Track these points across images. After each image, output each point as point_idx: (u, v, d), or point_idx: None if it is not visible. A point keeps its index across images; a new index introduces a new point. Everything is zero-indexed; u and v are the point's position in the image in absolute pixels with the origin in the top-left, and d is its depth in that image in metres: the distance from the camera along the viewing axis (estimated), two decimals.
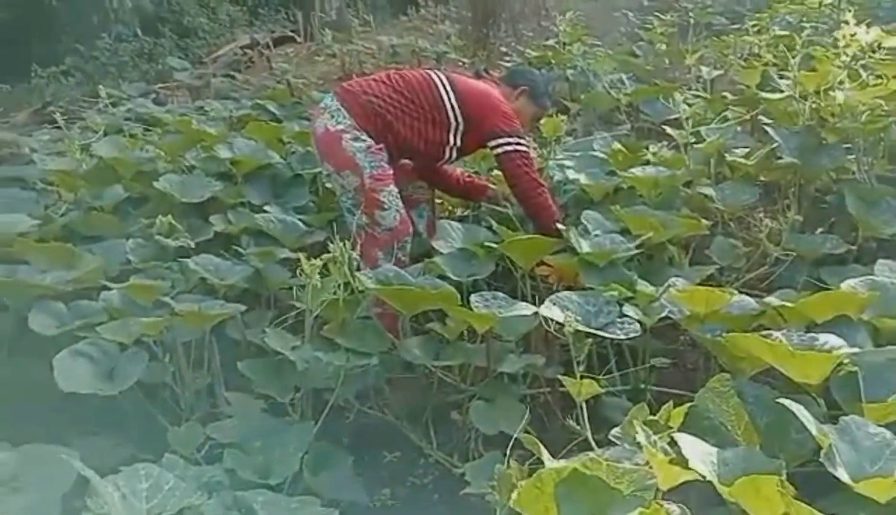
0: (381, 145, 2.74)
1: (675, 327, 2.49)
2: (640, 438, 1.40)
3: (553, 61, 5.40)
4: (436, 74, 2.91)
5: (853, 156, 2.98)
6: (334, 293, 2.21)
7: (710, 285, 2.29)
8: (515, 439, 1.86)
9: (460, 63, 6.73)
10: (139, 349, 2.18)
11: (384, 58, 7.37)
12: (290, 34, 8.16)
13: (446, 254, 2.48)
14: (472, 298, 2.10)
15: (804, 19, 6.53)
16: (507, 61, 5.87)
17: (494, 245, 2.46)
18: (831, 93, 3.10)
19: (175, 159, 3.57)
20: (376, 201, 2.69)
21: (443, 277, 2.34)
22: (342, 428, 2.28)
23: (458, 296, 2.13)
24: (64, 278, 2.51)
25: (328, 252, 2.86)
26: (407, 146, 2.83)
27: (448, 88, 2.83)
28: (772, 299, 2.14)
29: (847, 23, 4.33)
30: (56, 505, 1.62)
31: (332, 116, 2.75)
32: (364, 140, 2.71)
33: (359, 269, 2.54)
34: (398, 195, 2.76)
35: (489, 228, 2.75)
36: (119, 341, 2.19)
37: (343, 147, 2.70)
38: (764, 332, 1.89)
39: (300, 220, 3.11)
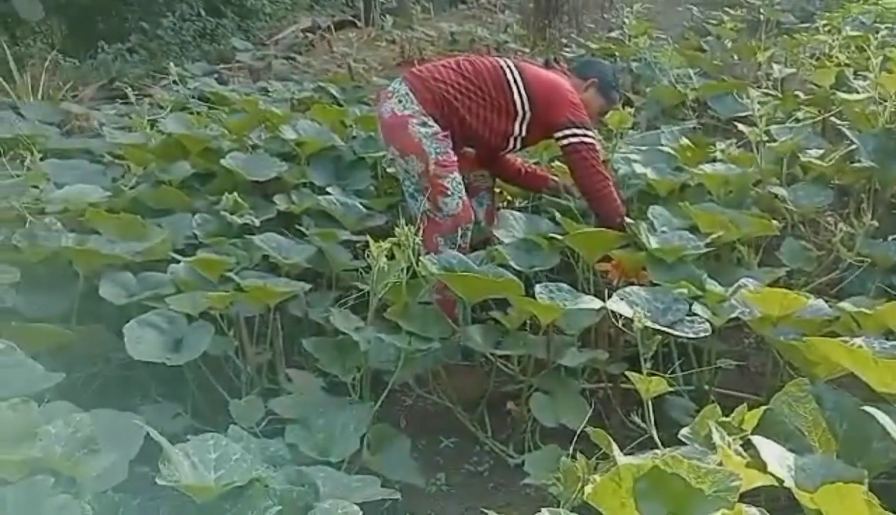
0: (447, 132, 2.74)
1: (739, 328, 2.44)
2: (716, 438, 1.37)
3: (617, 54, 5.32)
4: (505, 62, 2.88)
5: None
6: (398, 277, 2.22)
7: (780, 288, 2.23)
8: (578, 433, 1.85)
9: (520, 53, 6.69)
10: (205, 322, 2.22)
11: (443, 45, 7.37)
12: (351, 19, 8.20)
13: (509, 243, 2.46)
14: (537, 288, 2.08)
15: (878, 20, 6.31)
16: (568, 52, 5.79)
17: (559, 237, 2.43)
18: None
19: (240, 138, 3.62)
20: (440, 187, 2.68)
21: (505, 266, 2.32)
22: (400, 411, 2.29)
23: (522, 286, 2.12)
24: (133, 249, 2.56)
25: (388, 236, 2.90)
26: (472, 134, 2.81)
27: (517, 76, 2.80)
28: (846, 305, 2.07)
29: None
30: (125, 469, 1.66)
31: (400, 101, 2.74)
32: (431, 126, 2.70)
33: (420, 254, 2.57)
34: (462, 182, 2.75)
35: (551, 219, 2.72)
36: (186, 313, 2.23)
37: (409, 132, 2.70)
38: (841, 338, 1.83)
39: (361, 203, 3.13)
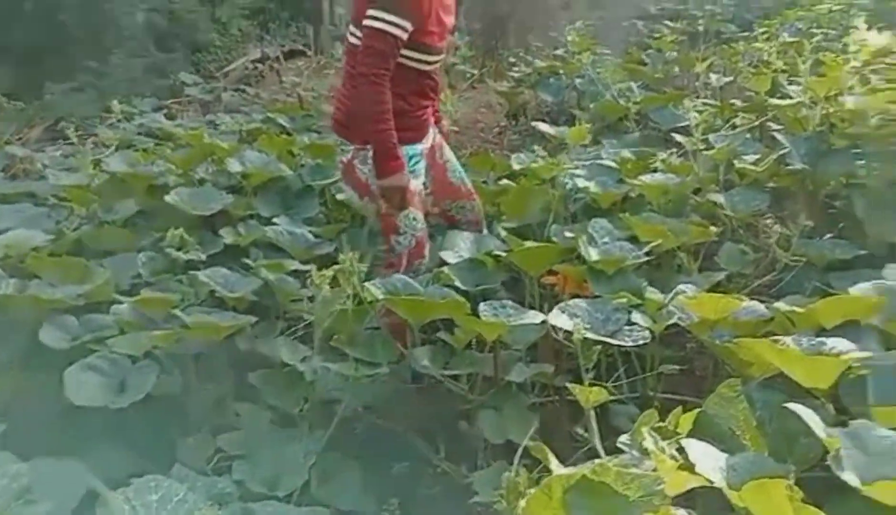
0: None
1: (684, 333, 2.48)
2: (648, 444, 1.39)
3: (562, 71, 5.42)
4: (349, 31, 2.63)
5: (862, 161, 2.96)
6: (343, 304, 2.23)
7: (719, 292, 2.28)
8: (524, 447, 1.86)
9: (469, 74, 6.78)
10: (150, 362, 2.20)
11: None
12: (301, 48, 8.23)
13: (455, 264, 2.48)
14: (481, 306, 2.10)
15: (814, 26, 6.52)
16: (516, 72, 5.89)
17: (503, 254, 2.46)
18: (840, 98, 3.08)
19: (186, 173, 3.61)
20: (393, 226, 2.62)
21: (451, 286, 2.34)
22: (351, 439, 2.28)
23: (467, 305, 2.14)
24: (75, 292, 2.53)
25: (337, 263, 2.90)
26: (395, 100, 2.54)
27: (353, 30, 2.56)
28: (781, 305, 2.12)
29: (857, 28, 4.34)
30: None
31: (341, 149, 2.67)
32: (370, 160, 2.58)
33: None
34: (417, 218, 2.64)
35: (498, 236, 2.75)
36: (130, 354, 2.20)
37: (357, 175, 2.62)
38: (773, 337, 1.88)
39: (309, 231, 3.13)
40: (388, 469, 2.26)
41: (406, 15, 2.42)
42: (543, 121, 4.87)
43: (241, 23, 9.75)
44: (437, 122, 2.97)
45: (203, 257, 2.85)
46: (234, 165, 3.39)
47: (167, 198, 3.13)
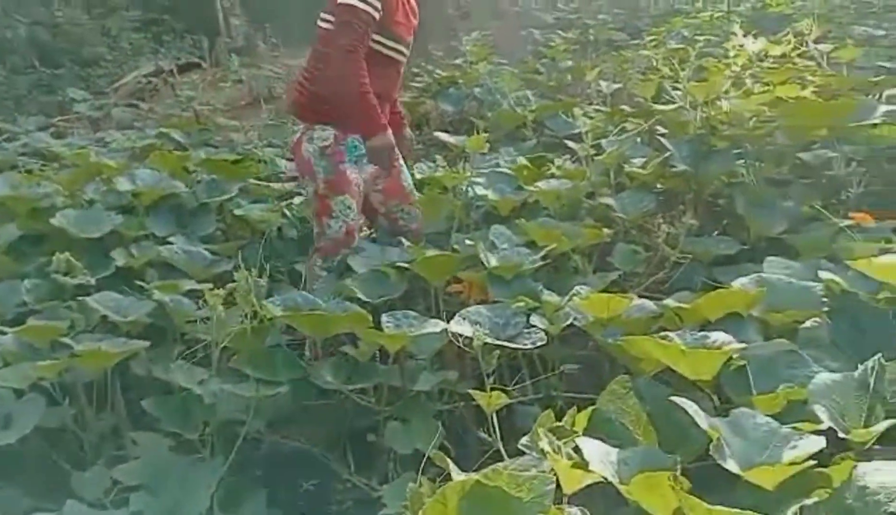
0: (337, 147, 2.66)
1: (582, 333, 2.56)
2: (544, 444, 1.43)
3: (461, 81, 5.50)
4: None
5: (742, 161, 3.14)
6: (241, 323, 2.18)
7: (613, 292, 2.37)
8: (428, 457, 1.88)
9: None
10: (36, 394, 2.09)
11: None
12: (197, 61, 8.01)
13: (357, 275, 2.47)
14: (383, 318, 2.10)
15: (698, 32, 6.86)
16: (419, 82, 5.92)
17: (406, 265, 2.47)
18: (718, 102, 3.26)
19: (73, 194, 3.44)
20: (327, 208, 2.66)
21: (354, 299, 2.33)
22: (256, 461, 2.23)
23: (369, 318, 2.13)
24: None
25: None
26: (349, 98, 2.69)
27: (324, 13, 2.69)
28: (669, 301, 2.22)
29: (735, 34, 4.60)
30: None
31: (292, 131, 2.79)
32: (317, 143, 2.65)
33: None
34: (352, 208, 2.70)
35: (399, 246, 2.76)
36: (14, 387, 2.08)
37: (302, 154, 2.69)
38: (661, 333, 1.97)
39: (207, 250, 3.05)
40: (297, 489, 2.23)
41: None
42: (445, 131, 4.92)
43: (132, 36, 9.41)
44: (400, 124, 3.07)
45: (92, 281, 2.73)
46: (123, 184, 3.27)
47: (53, 221, 2.98)
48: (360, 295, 2.36)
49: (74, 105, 6.74)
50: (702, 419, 1.39)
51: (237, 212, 3.32)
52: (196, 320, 2.43)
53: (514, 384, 2.33)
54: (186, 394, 2.13)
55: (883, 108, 3.05)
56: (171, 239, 3.09)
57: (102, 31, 10.10)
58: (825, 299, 2.03)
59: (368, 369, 2.19)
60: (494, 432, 1.80)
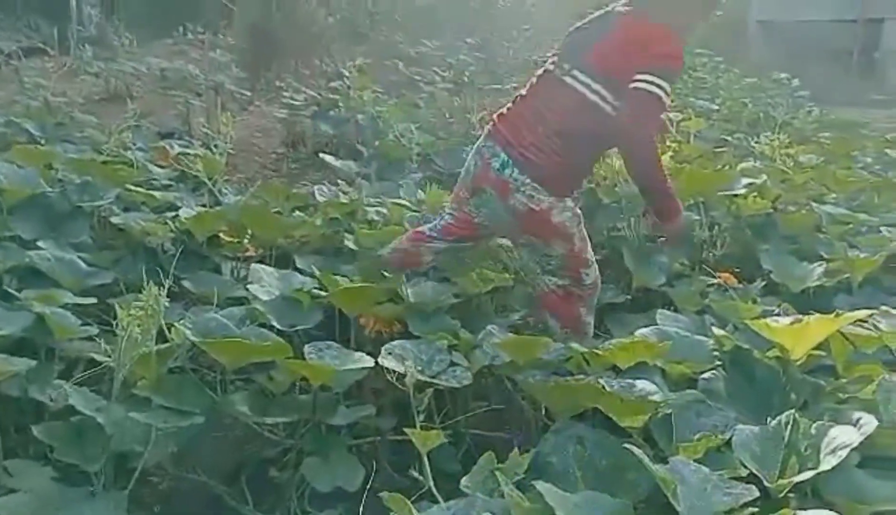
0: (580, 202, 2.69)
1: (489, 370, 2.62)
2: (504, 489, 1.46)
3: (342, 104, 5.47)
4: (571, 75, 2.48)
5: (623, 215, 3.39)
6: (146, 345, 2.02)
7: (513, 332, 2.47)
8: (346, 494, 1.84)
9: (241, 94, 6.55)
10: None
11: (152, 81, 6.92)
12: (42, 46, 7.31)
13: (268, 301, 2.37)
14: (306, 349, 2.03)
15: None
16: (295, 99, 5.82)
17: (323, 293, 2.41)
18: (606, 160, 3.50)
19: None
20: (584, 261, 2.63)
21: (266, 325, 2.24)
22: (155, 495, 2.06)
23: (290, 347, 2.06)
24: None
25: (115, 296, 2.62)
26: (592, 163, 2.79)
27: (587, 81, 2.45)
28: (576, 346, 2.35)
29: None
30: None
31: (532, 196, 2.49)
32: (570, 209, 2.57)
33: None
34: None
35: (305, 273, 2.69)
36: None
37: (553, 223, 2.54)
38: (576, 376, 2.08)
39: (79, 257, 2.79)
40: None
41: (673, 78, 2.46)
42: (325, 152, 4.87)
43: None
44: None
45: None
46: None
47: None
48: (274, 322, 2.27)
49: None
50: (651, 467, 1.48)
51: (115, 220, 3.06)
52: (88, 338, 2.21)
53: (425, 421, 2.33)
54: (81, 421, 1.93)
55: (745, 180, 3.44)
56: (39, 243, 2.79)
57: None
58: (716, 353, 2.24)
59: (287, 401, 2.10)
60: (426, 471, 1.81)
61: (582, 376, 2.11)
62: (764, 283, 2.89)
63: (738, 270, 3.18)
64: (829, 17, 13.03)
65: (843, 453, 1.52)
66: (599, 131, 2.47)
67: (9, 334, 2.23)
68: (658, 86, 2.36)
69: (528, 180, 2.49)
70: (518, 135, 2.54)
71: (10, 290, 2.51)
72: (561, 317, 2.69)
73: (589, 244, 2.69)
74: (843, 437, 1.56)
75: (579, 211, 2.65)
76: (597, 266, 2.73)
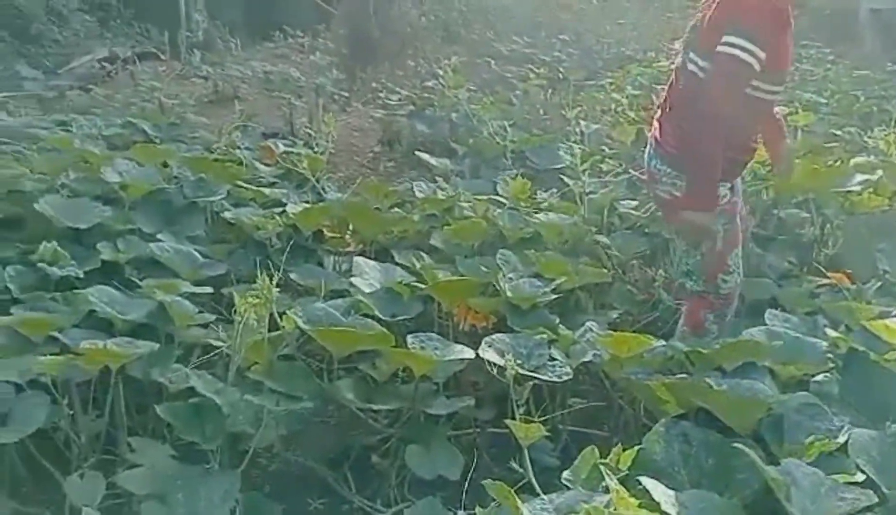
0: (733, 198, 2.52)
1: (587, 367, 2.61)
2: (609, 483, 1.45)
3: (436, 104, 5.54)
4: (688, 56, 2.44)
5: None
6: (259, 333, 2.12)
7: (612, 329, 2.44)
8: (446, 483, 1.87)
9: (339, 95, 6.72)
10: (38, 392, 1.96)
11: (258, 84, 7.20)
12: (154, 51, 7.74)
13: (371, 293, 2.44)
14: (409, 339, 2.09)
15: (654, 82, 7.15)
16: (391, 100, 5.93)
17: (421, 286, 2.46)
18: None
19: (51, 180, 3.26)
20: (724, 265, 2.52)
21: (370, 316, 2.31)
22: (262, 476, 2.17)
23: (392, 337, 2.11)
24: None
25: (227, 286, 2.75)
26: (739, 152, 2.50)
27: (697, 60, 2.40)
28: (678, 345, 2.31)
29: None
30: None
31: (673, 184, 2.47)
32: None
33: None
34: (741, 257, 2.58)
35: (404, 267, 2.75)
36: (12, 381, 1.96)
37: (694, 214, 2.44)
38: (679, 375, 2.04)
39: (196, 250, 2.95)
40: (305, 508, 2.17)
41: (763, 43, 2.27)
42: (419, 150, 4.94)
43: (83, 17, 9.01)
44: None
45: (81, 273, 2.60)
46: (110, 175, 3.13)
47: (37, 207, 2.82)
48: (377, 313, 2.34)
49: (24, 83, 6.38)
50: (763, 467, 1.44)
51: (227, 215, 3.22)
52: (204, 325, 2.34)
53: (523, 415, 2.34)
54: (199, 402, 2.05)
55: (859, 176, 3.27)
56: (159, 236, 2.97)
57: (46, 7, 9.64)
58: (830, 355, 2.15)
59: (389, 390, 2.16)
60: (526, 464, 1.82)
61: (685, 375, 2.08)
62: (880, 284, 2.74)
63: (850, 270, 3.04)
64: None
65: None
66: (721, 113, 2.32)
67: (132, 319, 2.39)
68: (741, 47, 2.25)
69: (668, 170, 2.48)
70: (661, 127, 2.54)
71: (133, 279, 2.69)
72: (686, 314, 2.61)
73: (737, 250, 2.54)
74: None
75: (737, 212, 2.52)
76: (740, 276, 2.59)
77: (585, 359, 2.22)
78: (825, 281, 2.86)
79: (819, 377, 2.04)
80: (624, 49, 10.63)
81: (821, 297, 2.68)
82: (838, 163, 3.80)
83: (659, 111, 2.65)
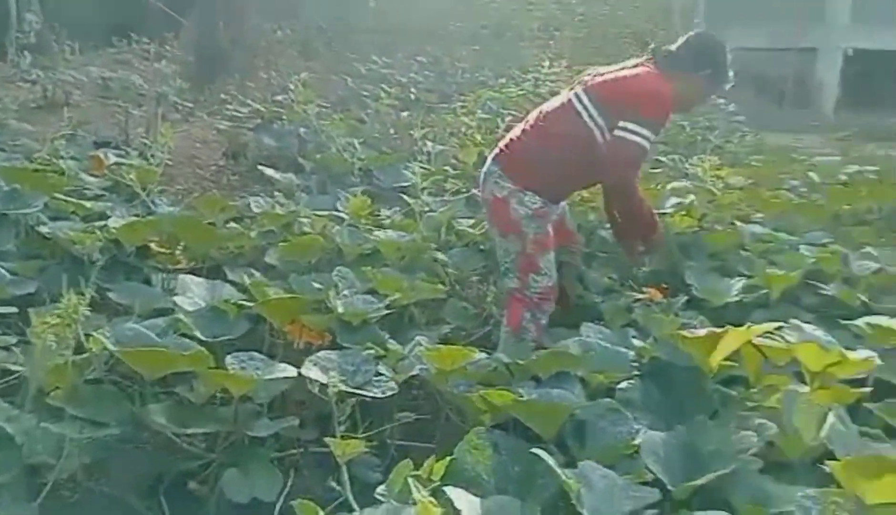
0: (546, 207, 2.73)
1: (415, 381, 2.64)
2: (415, 494, 1.47)
3: (286, 117, 5.46)
4: (573, 94, 2.76)
5: None
6: (61, 355, 1.98)
7: (444, 343, 2.49)
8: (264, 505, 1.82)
9: (183, 106, 6.46)
10: None
11: (93, 90, 6.79)
12: None
13: (193, 312, 2.35)
14: (228, 359, 2.02)
15: (503, 107, 7.43)
16: (238, 112, 5.78)
17: (249, 304, 2.39)
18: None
19: None
20: (534, 266, 2.72)
21: (189, 336, 2.22)
22: (65, 508, 2.01)
23: (211, 357, 2.04)
24: None
25: (38, 305, 2.56)
26: (567, 182, 2.84)
27: (586, 102, 2.71)
28: (501, 356, 2.39)
29: None
30: None
31: (497, 183, 2.74)
32: (528, 205, 2.69)
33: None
34: (554, 262, 2.77)
35: (233, 283, 2.67)
36: None
37: (509, 213, 2.70)
38: (500, 386, 2.11)
39: (3, 267, 2.73)
40: None
41: (657, 128, 2.70)
42: (266, 164, 4.85)
43: None
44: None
45: None
46: None
47: None
48: (197, 333, 2.25)
49: None
50: (559, 471, 1.52)
51: (43, 229, 3.00)
52: (4, 348, 2.16)
53: (347, 431, 2.33)
54: None
55: (673, 199, 3.55)
56: None
57: None
58: (635, 363, 2.30)
59: (207, 412, 2.08)
60: (344, 481, 1.81)
61: (504, 386, 2.15)
62: (687, 298, 2.98)
63: (666, 286, 3.28)
64: (766, 46, 13.53)
65: (743, 457, 1.59)
66: (578, 149, 2.70)
67: None
68: (640, 135, 2.62)
69: (497, 169, 2.76)
70: (515, 138, 2.83)
71: None
72: (507, 314, 2.81)
73: (549, 255, 2.77)
74: (744, 442, 1.63)
75: (549, 220, 2.76)
76: (554, 281, 2.80)
77: (412, 373, 2.25)
78: (640, 296, 3.06)
79: (624, 385, 2.18)
80: (478, 74, 10.99)
81: (635, 311, 2.87)
82: (657, 187, 4.12)
83: (520, 126, 2.89)
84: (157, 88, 6.49)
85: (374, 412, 2.46)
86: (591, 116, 2.69)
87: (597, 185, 2.97)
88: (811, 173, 4.78)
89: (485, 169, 2.84)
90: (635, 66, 2.81)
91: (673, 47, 2.84)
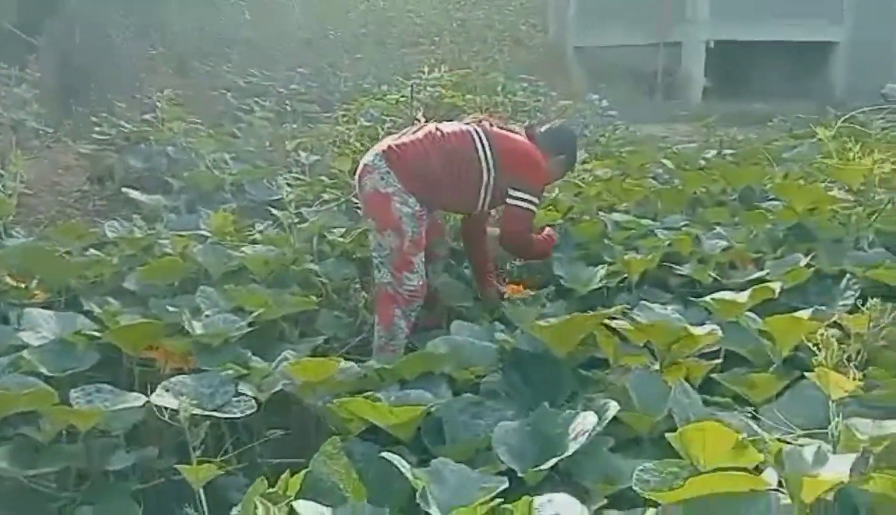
0: (424, 210, 2.84)
1: (287, 397, 2.60)
2: (261, 512, 1.45)
3: (152, 138, 5.27)
4: (474, 128, 2.97)
5: None
6: None
7: (320, 356, 2.46)
8: None
9: (43, 131, 6.12)
10: None
11: None
12: None
13: (38, 347, 2.22)
14: (72, 394, 1.93)
15: (384, 114, 7.44)
16: (101, 135, 5.53)
17: (97, 333, 2.29)
18: None
19: None
20: (409, 264, 2.80)
21: (34, 373, 2.10)
22: None
23: (54, 394, 1.94)
24: None
25: None
26: (443, 199, 2.97)
27: (485, 143, 2.92)
28: (372, 363, 2.39)
29: (419, 120, 5.12)
30: None
31: (382, 178, 2.81)
32: (411, 206, 2.79)
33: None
34: (423, 262, 2.87)
35: (89, 314, 2.55)
36: None
37: (391, 210, 2.78)
38: (367, 393, 2.11)
39: None
40: None
41: (540, 195, 3.06)
42: (133, 187, 4.67)
43: None
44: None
45: None
46: None
47: None
48: (42, 369, 2.13)
49: None
50: (406, 471, 1.53)
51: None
52: None
53: (219, 455, 2.27)
54: None
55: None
56: None
57: None
58: (500, 356, 2.36)
59: (54, 451, 1.97)
60: (202, 507, 1.76)
61: (372, 392, 2.15)
62: (554, 288, 3.07)
63: (539, 276, 3.37)
64: (637, 42, 14.16)
65: (583, 438, 1.65)
66: (468, 176, 2.91)
67: None
68: (529, 202, 2.96)
69: (383, 165, 2.83)
70: (407, 143, 2.91)
71: None
72: (378, 313, 2.86)
73: (421, 256, 2.87)
74: (586, 423, 1.69)
75: (425, 223, 2.86)
76: (424, 280, 2.89)
77: (277, 389, 2.21)
78: (505, 290, 3.14)
79: (488, 377, 2.23)
80: (361, 82, 10.96)
81: (503, 305, 2.94)
82: None
83: (413, 133, 2.99)
84: (13, 114, 6.12)
85: (243, 433, 2.41)
86: (486, 157, 2.93)
87: (470, 215, 3.19)
88: (665, 160, 5.01)
89: (367, 160, 2.90)
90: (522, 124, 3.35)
91: (543, 129, 3.23)
